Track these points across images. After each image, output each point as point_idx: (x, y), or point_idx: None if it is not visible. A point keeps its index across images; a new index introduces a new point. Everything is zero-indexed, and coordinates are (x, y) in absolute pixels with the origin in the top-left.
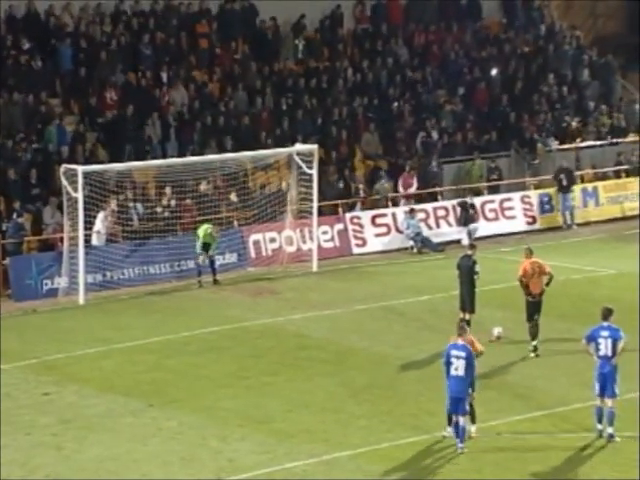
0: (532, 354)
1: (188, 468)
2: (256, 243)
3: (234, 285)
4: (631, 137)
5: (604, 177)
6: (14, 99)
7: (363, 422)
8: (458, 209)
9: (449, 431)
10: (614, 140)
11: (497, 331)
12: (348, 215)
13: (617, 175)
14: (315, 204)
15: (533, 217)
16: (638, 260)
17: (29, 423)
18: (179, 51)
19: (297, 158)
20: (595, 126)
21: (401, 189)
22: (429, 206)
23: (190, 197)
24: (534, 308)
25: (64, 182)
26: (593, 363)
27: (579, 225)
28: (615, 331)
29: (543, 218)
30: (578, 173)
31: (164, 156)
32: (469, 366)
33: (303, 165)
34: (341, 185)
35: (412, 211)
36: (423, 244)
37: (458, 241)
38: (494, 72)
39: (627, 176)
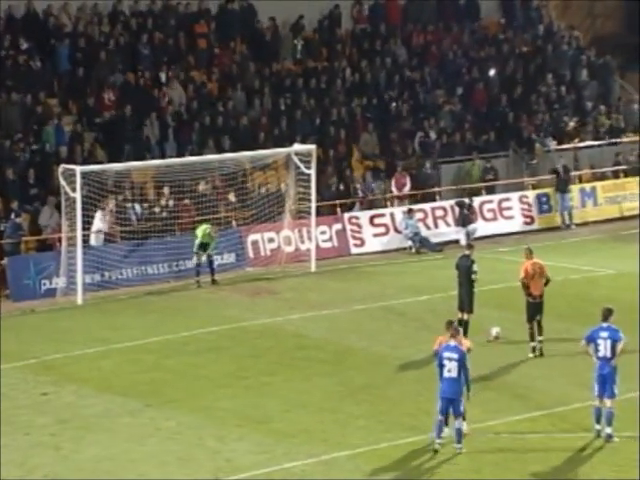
0: (531, 354)
1: (185, 468)
2: (254, 243)
3: (232, 285)
4: (629, 137)
5: (602, 177)
6: (12, 99)
7: (362, 422)
8: (456, 209)
9: (446, 431)
10: (612, 140)
11: (495, 331)
12: (346, 215)
13: (615, 175)
14: (313, 204)
15: (531, 217)
16: (637, 260)
17: (27, 423)
18: (177, 51)
19: (295, 158)
20: (594, 126)
21: (394, 189)
22: (427, 206)
23: (188, 197)
24: (535, 309)
25: (62, 182)
26: (592, 363)
27: (577, 225)
28: (614, 332)
29: (541, 218)
30: (576, 173)
31: (162, 156)
32: (462, 367)
33: (301, 165)
34: (341, 187)
35: (410, 211)
36: (421, 244)
37: (456, 241)
38: (492, 73)
39: (625, 176)
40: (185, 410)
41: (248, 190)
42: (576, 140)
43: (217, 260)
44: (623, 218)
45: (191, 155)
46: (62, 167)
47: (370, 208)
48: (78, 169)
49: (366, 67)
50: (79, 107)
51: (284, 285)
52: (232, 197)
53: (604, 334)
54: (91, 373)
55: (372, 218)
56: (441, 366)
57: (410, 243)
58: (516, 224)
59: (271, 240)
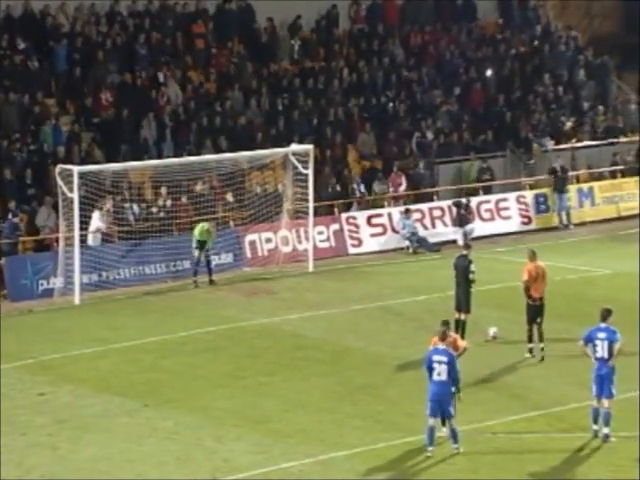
0: (527, 354)
1: (183, 468)
2: (252, 243)
3: (230, 285)
4: (627, 137)
5: (600, 177)
6: (10, 99)
7: (359, 422)
8: (454, 209)
9: (444, 431)
10: (610, 140)
11: (493, 331)
12: (344, 215)
13: (613, 175)
14: (311, 204)
15: (529, 217)
16: (637, 260)
17: (25, 423)
18: (175, 51)
19: (293, 158)
20: (591, 126)
21: (390, 189)
22: (425, 206)
23: (186, 197)
24: (535, 312)
25: (60, 182)
26: (590, 363)
27: (575, 225)
28: (612, 333)
29: (538, 218)
30: (574, 173)
31: (160, 156)
32: (452, 370)
33: (299, 165)
34: (338, 187)
35: (408, 211)
36: (419, 244)
37: (454, 241)
38: (489, 73)
39: (623, 176)
40: (183, 410)
41: (245, 190)
42: (573, 140)
43: (215, 260)
44: (620, 218)
45: (189, 155)
46: (59, 167)
47: (368, 208)
48: (75, 169)
49: (364, 67)
50: (77, 107)
51: (282, 285)
52: (230, 197)
53: (601, 335)
54: (89, 373)
55: (369, 218)
56: (430, 369)
57: (407, 243)
58: (514, 224)
59: (269, 240)
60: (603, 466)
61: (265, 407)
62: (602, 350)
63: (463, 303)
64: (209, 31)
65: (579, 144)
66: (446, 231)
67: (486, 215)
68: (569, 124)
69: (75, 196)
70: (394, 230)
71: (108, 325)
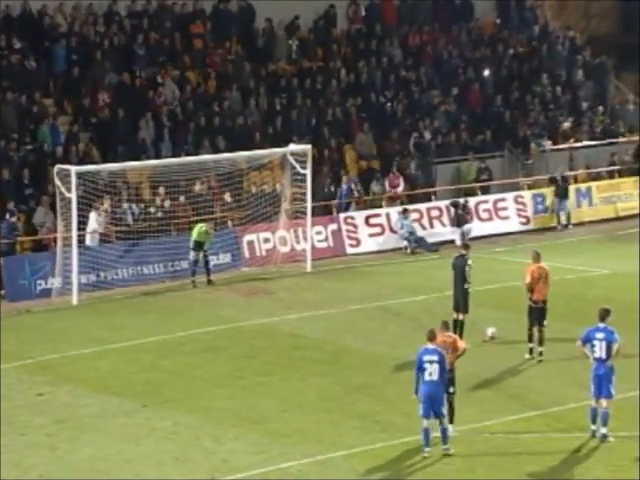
0: (528, 355)
1: (182, 468)
2: (250, 243)
3: (228, 285)
4: (625, 137)
5: (598, 177)
6: (8, 99)
7: (357, 422)
8: (452, 209)
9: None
10: (608, 140)
11: (491, 331)
12: (342, 215)
13: (610, 175)
14: (309, 204)
15: (527, 217)
16: (636, 260)
17: (23, 423)
18: (173, 51)
19: (291, 158)
20: (589, 126)
21: (388, 189)
22: (423, 206)
23: (184, 197)
24: (536, 314)
25: (57, 182)
26: (588, 363)
27: (573, 225)
28: (610, 333)
29: (537, 218)
30: (572, 173)
31: (158, 156)
32: (443, 369)
33: (297, 165)
34: (332, 188)
35: (406, 211)
36: (417, 244)
37: (452, 241)
38: (487, 73)
39: (620, 176)
40: (181, 410)
41: (244, 190)
42: (571, 140)
43: (213, 260)
44: (618, 218)
45: (187, 155)
46: (57, 167)
47: (366, 208)
48: (73, 169)
49: (362, 67)
50: (74, 107)
51: (280, 285)
52: (228, 197)
53: (600, 335)
54: (87, 373)
55: (368, 218)
56: (422, 370)
57: (406, 243)
58: (512, 224)
59: (267, 240)
60: (602, 466)
61: (263, 407)
62: (600, 350)
63: (461, 303)
64: (207, 31)
65: (577, 144)
66: (444, 231)
67: (484, 215)
68: (567, 124)
69: (73, 196)
70: (392, 230)
71: (106, 325)
